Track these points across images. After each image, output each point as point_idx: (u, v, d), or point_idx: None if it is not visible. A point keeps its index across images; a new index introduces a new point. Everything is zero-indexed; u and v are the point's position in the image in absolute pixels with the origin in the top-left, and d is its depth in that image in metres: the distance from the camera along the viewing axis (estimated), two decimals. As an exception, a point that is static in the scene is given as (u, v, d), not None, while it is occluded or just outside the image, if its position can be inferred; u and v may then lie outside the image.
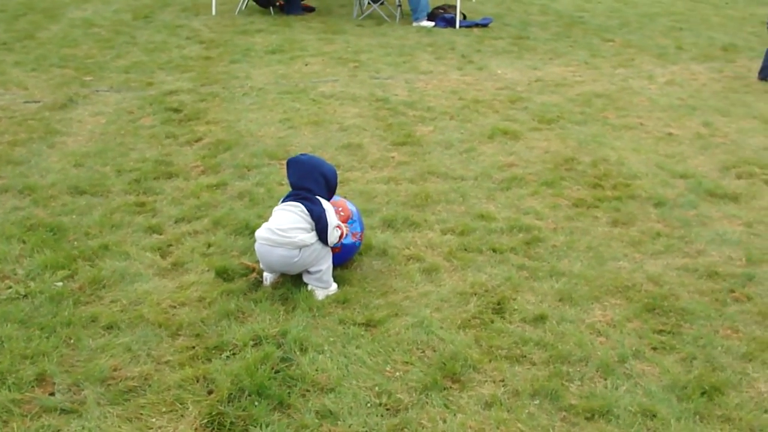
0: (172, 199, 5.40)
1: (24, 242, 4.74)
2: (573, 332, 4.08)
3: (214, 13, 12.25)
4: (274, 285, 4.38)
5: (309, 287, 4.34)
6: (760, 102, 8.92)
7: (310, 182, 4.35)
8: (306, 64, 9.16)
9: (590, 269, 4.77)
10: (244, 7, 12.56)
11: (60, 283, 4.30)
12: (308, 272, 4.32)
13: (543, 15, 14.04)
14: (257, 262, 4.46)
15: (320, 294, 4.30)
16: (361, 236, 4.58)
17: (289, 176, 4.44)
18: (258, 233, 4.27)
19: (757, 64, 10.24)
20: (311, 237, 4.21)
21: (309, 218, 4.21)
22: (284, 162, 5.88)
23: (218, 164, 5.99)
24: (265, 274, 4.40)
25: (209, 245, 4.80)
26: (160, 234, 4.94)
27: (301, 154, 4.57)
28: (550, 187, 5.97)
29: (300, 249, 4.18)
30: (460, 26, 12.16)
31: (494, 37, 11.63)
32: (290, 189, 4.42)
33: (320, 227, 4.21)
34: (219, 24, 11.50)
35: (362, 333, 3.97)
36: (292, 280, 4.40)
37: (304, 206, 4.23)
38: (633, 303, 4.42)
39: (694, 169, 6.56)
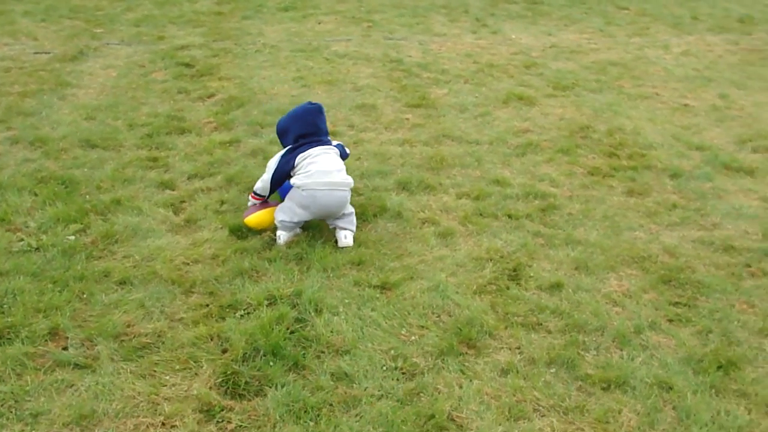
0: (185, 155, 5.34)
1: (35, 195, 4.69)
2: (589, 301, 4.04)
3: (225, -33, 12.07)
4: (288, 244, 4.33)
5: (341, 234, 4.36)
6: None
7: (324, 125, 4.50)
8: (319, 23, 9.04)
9: (606, 239, 4.72)
10: (255, -37, 12.36)
11: (72, 237, 4.25)
12: (344, 215, 4.37)
13: (557, -20, 13.81)
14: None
15: (351, 238, 4.36)
16: None
17: (317, 123, 4.46)
18: (313, 180, 4.25)
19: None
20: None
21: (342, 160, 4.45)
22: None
23: (231, 121, 5.92)
24: (279, 232, 4.35)
25: (222, 202, 4.75)
26: (173, 190, 4.89)
27: (307, 104, 4.60)
28: (565, 154, 5.90)
29: (349, 188, 4.37)
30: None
31: (508, 1, 11.48)
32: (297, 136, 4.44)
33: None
34: (230, -21, 11.32)
35: (377, 295, 3.93)
36: (307, 239, 4.36)
37: (339, 150, 4.47)
38: (649, 274, 4.37)
39: (710, 142, 6.49)
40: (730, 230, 4.92)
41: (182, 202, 4.75)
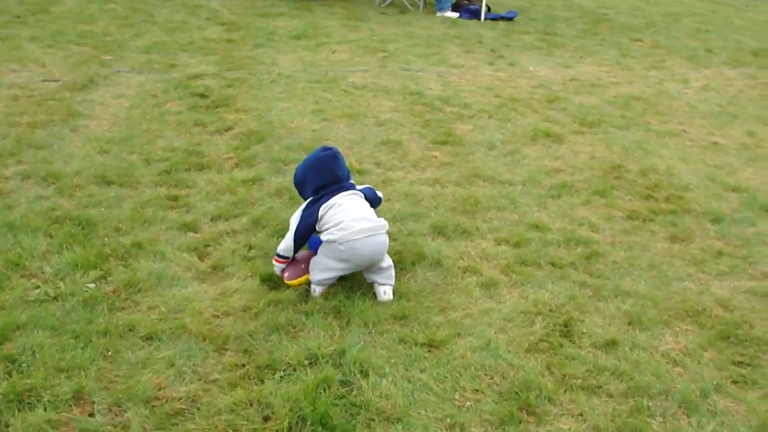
0: (206, 193, 5.05)
1: (50, 236, 4.39)
2: (648, 361, 3.78)
3: (232, -7, 11.84)
4: (324, 296, 4.04)
5: (380, 290, 4.09)
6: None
7: (342, 170, 4.20)
8: (333, 52, 8.80)
9: (655, 290, 4.47)
10: (263, -11, 12.15)
11: (92, 285, 3.96)
12: (382, 268, 4.06)
13: (567, 10, 13.70)
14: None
15: (391, 293, 4.10)
16: None
17: (334, 171, 4.15)
18: (348, 231, 3.94)
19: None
20: None
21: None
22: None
23: (252, 157, 5.64)
24: (313, 286, 4.07)
25: (250, 247, 4.46)
26: (196, 232, 4.60)
27: (320, 151, 4.26)
28: (601, 196, 5.65)
29: (386, 231, 4.08)
30: (485, 18, 11.81)
31: (521, 32, 11.29)
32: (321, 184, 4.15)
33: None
34: (238, 6, 11.11)
35: (425, 354, 3.65)
36: (344, 291, 4.08)
37: (365, 193, 4.20)
38: (705, 330, 4.12)
39: (746, 183, 6.26)
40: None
41: (207, 246, 4.46)
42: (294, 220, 4.12)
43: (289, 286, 4.10)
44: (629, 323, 4.15)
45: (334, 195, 4.06)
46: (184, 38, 8.85)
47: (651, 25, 12.97)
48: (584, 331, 4.02)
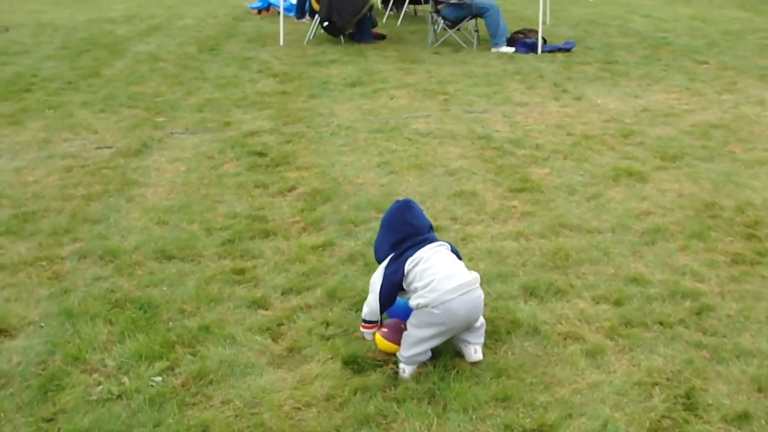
0: (275, 264, 4.69)
1: (111, 323, 4.06)
2: (791, 437, 3.27)
3: (282, 43, 11.64)
4: (415, 377, 3.62)
5: (470, 349, 3.72)
6: None
7: (419, 221, 3.78)
8: (391, 98, 8.45)
9: None
10: (312, 37, 11.92)
11: (159, 379, 3.60)
12: (474, 327, 3.70)
13: (624, 36, 13.22)
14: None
15: (481, 351, 3.73)
16: None
17: (410, 221, 3.74)
18: (442, 291, 3.52)
19: None
20: None
21: None
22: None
23: (319, 219, 5.28)
24: (402, 366, 3.65)
25: (327, 324, 4.07)
26: (266, 309, 4.22)
27: (393, 205, 3.87)
28: (699, 239, 5.17)
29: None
30: (542, 51, 11.40)
31: (581, 63, 10.85)
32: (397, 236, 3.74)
33: None
34: (289, 55, 10.86)
35: (537, 444, 3.19)
36: (436, 370, 3.65)
37: (449, 246, 3.77)
38: None
39: None
40: None
41: (280, 325, 4.08)
42: (376, 280, 3.72)
43: (376, 365, 3.69)
44: (758, 389, 3.67)
45: (419, 248, 3.63)
46: (236, 93, 8.58)
47: (714, 45, 12.42)
48: (710, 402, 3.54)
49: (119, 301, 4.26)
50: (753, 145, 7.26)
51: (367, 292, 4.18)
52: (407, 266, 3.57)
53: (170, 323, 4.06)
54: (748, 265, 4.86)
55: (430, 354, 3.69)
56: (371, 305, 3.72)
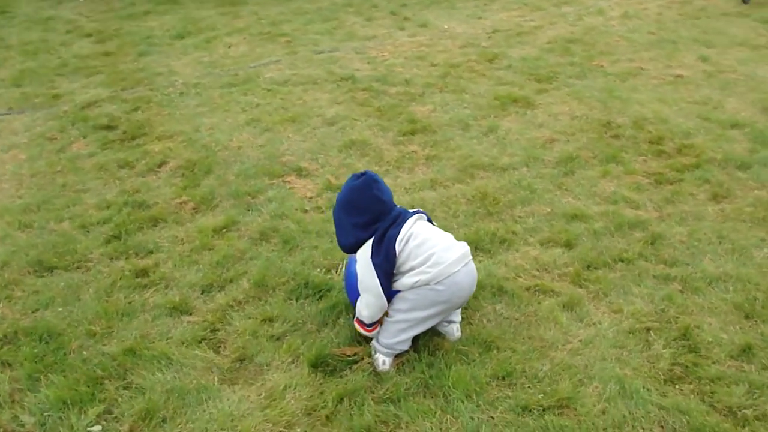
0: (179, 256, 4.01)
1: (9, 366, 3.28)
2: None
3: (79, -3, 10.38)
4: (398, 369, 3.14)
5: (451, 328, 3.33)
6: (730, 27, 8.29)
7: (388, 195, 3.18)
8: (229, 47, 7.70)
9: (743, 266, 3.87)
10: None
11: (98, 428, 2.92)
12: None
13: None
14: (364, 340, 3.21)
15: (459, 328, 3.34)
16: None
17: (380, 197, 3.12)
18: (445, 264, 3.01)
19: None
20: None
21: None
22: (288, 179, 4.65)
23: (208, 195, 4.61)
24: (380, 356, 3.16)
25: (270, 320, 3.49)
26: (190, 314, 3.58)
27: (369, 176, 3.15)
28: (615, 162, 5.00)
29: None
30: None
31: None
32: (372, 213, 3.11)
33: None
34: (94, 11, 9.70)
35: (564, 423, 2.82)
36: (422, 358, 3.19)
37: (426, 216, 3.25)
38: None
39: (738, 116, 5.77)
40: None
41: (214, 330, 3.46)
42: (367, 276, 3.06)
43: (350, 363, 3.19)
44: (746, 317, 3.51)
45: (400, 226, 3.08)
46: (52, 60, 7.50)
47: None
48: (710, 340, 3.35)
49: (8, 336, 3.46)
50: (616, 57, 7.18)
51: (305, 277, 3.64)
52: (398, 247, 3.02)
53: (84, 353, 3.33)
54: (673, 184, 4.73)
55: (411, 341, 3.21)
56: (372, 306, 3.09)
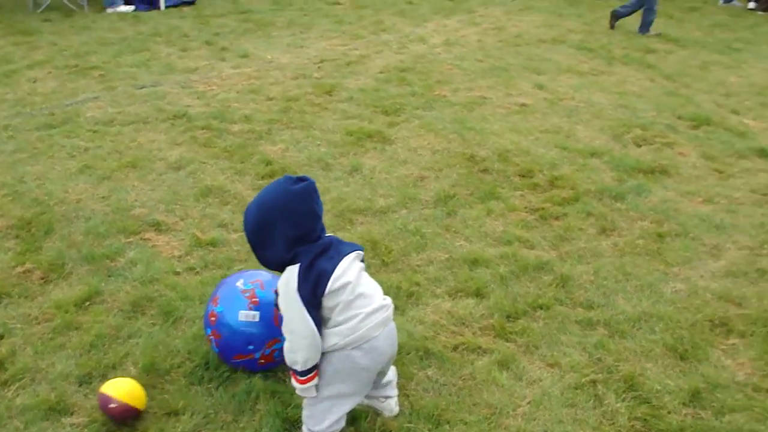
0: (39, 341, 3.35)
1: None
2: (743, 402, 3.02)
3: None
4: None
5: (390, 404, 2.96)
6: (551, 53, 8.50)
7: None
8: (34, 82, 6.85)
9: (657, 304, 3.82)
10: None
11: None
12: (389, 378, 2.93)
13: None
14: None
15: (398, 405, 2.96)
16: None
17: (317, 211, 2.61)
18: (367, 325, 2.56)
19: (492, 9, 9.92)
20: None
21: None
22: (146, 236, 4.09)
23: (57, 260, 3.95)
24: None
25: (176, 413, 2.95)
26: (71, 414, 2.98)
27: (309, 181, 2.59)
28: (494, 199, 4.84)
29: None
30: (166, 6, 10.22)
31: (215, 15, 9.94)
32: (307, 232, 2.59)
33: None
34: None
35: None
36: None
37: (361, 253, 2.71)
38: (748, 337, 3.53)
39: (592, 143, 5.84)
40: (732, 250, 4.21)
41: (108, 433, 2.85)
42: (294, 314, 2.51)
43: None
44: (681, 358, 3.45)
45: (336, 259, 2.56)
46: None
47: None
48: (657, 388, 3.26)
49: None
50: (455, 86, 7.09)
51: (197, 352, 3.14)
52: (329, 286, 2.53)
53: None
54: (558, 219, 4.63)
55: (344, 420, 2.77)
56: (306, 348, 2.52)
